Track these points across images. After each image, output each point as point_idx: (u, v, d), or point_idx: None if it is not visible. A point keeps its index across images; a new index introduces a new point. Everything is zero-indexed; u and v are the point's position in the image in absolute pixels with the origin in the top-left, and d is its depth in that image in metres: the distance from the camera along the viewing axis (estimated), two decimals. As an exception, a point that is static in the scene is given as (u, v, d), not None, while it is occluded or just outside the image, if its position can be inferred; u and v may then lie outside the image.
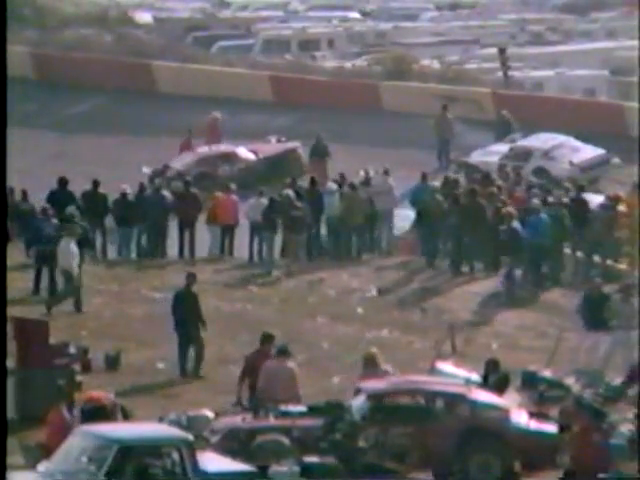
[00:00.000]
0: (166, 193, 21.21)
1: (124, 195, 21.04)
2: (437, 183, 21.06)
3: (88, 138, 28.05)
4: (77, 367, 14.84)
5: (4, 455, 11.70)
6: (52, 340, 14.63)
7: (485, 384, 14.20)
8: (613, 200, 19.77)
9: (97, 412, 12.73)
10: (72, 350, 14.83)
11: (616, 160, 24.98)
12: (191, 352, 15.91)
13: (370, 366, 14.11)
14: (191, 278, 16.29)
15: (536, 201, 19.76)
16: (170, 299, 17.70)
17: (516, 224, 18.66)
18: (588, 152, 25.04)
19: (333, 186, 21.29)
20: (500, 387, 14.16)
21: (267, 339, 14.31)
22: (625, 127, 27.37)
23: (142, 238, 21.02)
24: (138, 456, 11.50)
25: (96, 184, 21.14)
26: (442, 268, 19.90)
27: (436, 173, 23.32)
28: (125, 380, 14.72)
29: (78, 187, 21.21)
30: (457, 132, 26.32)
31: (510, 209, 18.93)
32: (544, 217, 19.07)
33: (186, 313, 15.93)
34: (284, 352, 13.95)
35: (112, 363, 16.02)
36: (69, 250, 17.82)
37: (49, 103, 29.64)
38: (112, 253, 20.94)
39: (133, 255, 21.00)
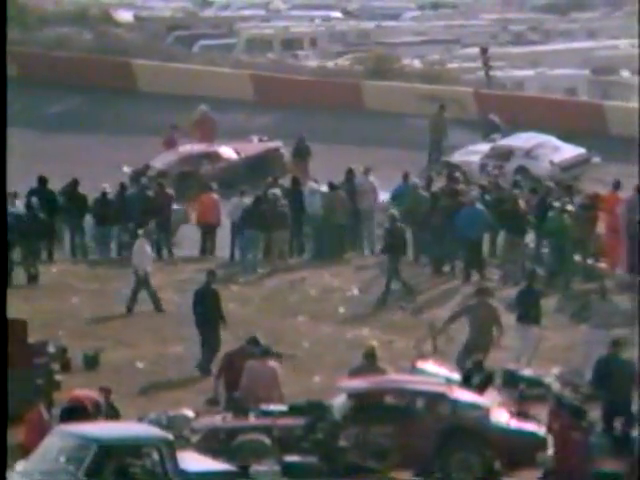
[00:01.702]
0: (149, 193, 21.18)
1: (104, 194, 20.99)
2: (417, 180, 21.07)
3: (68, 137, 27.93)
4: (56, 366, 14.77)
5: (4, 454, 11.56)
6: (31, 339, 14.54)
7: (468, 383, 14.20)
8: (593, 199, 19.83)
9: (75, 411, 12.67)
10: (51, 349, 14.76)
11: (596, 159, 25.06)
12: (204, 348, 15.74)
13: (369, 360, 14.03)
14: (211, 276, 16.30)
15: (475, 194, 19.75)
16: (149, 299, 17.61)
17: (400, 225, 18.78)
18: (569, 151, 25.11)
19: (314, 185, 21.28)
20: (482, 386, 14.17)
21: (252, 342, 14.25)
22: (605, 126, 27.46)
23: (123, 237, 20.97)
24: (118, 456, 11.45)
25: (75, 183, 21.07)
26: (424, 267, 19.90)
27: (422, 172, 23.29)
28: (104, 379, 14.65)
29: (58, 186, 21.12)
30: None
31: (394, 211, 19.01)
32: (479, 210, 19.10)
33: (207, 310, 15.84)
34: (267, 352, 13.90)
35: (91, 362, 15.96)
36: (144, 250, 17.98)
37: (29, 102, 29.49)
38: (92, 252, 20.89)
39: (113, 254, 20.93)
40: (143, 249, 18.12)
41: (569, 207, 19.33)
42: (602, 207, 19.65)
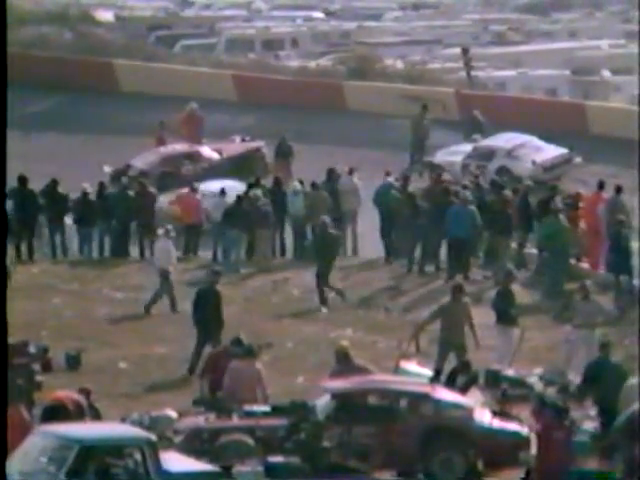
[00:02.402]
0: (130, 192, 21.11)
1: (85, 194, 20.90)
2: (390, 180, 20.97)
3: (49, 137, 27.81)
4: (37, 367, 14.69)
5: (4, 454, 11.45)
6: (11, 339, 14.45)
7: (452, 383, 14.19)
8: (574, 199, 19.88)
9: (57, 411, 12.60)
10: (32, 349, 14.68)
11: (578, 159, 25.16)
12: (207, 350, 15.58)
13: (343, 361, 14.00)
14: (214, 276, 16.21)
15: (467, 193, 19.71)
16: (132, 299, 17.56)
17: (331, 230, 18.75)
18: (550, 151, 25.19)
19: (298, 186, 21.24)
20: (465, 387, 14.17)
21: (236, 343, 14.20)
22: (587, 126, 27.57)
23: (104, 237, 20.88)
24: (100, 456, 11.38)
25: (55, 183, 20.97)
26: (406, 267, 19.90)
27: (402, 172, 23.28)
28: (86, 380, 14.58)
29: (39, 186, 21.04)
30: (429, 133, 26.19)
31: (325, 217, 18.99)
32: (469, 210, 19.10)
33: (208, 311, 15.76)
34: (251, 353, 13.86)
35: (73, 363, 15.89)
36: (168, 249, 17.89)
37: (9, 102, 29.37)
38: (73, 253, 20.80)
39: (94, 255, 20.84)
40: (168, 249, 18.00)
41: (559, 206, 19.19)
42: (584, 207, 19.68)
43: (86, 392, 13.22)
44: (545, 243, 18.95)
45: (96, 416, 13.08)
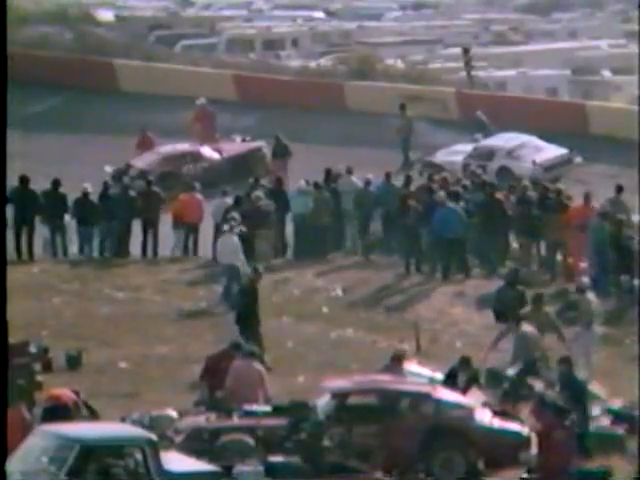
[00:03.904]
0: (131, 192, 21.11)
1: (85, 194, 20.91)
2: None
3: (49, 137, 27.82)
4: (37, 366, 14.70)
5: (4, 453, 11.46)
6: (12, 339, 14.46)
7: (453, 381, 14.19)
8: (555, 197, 19.76)
9: (58, 411, 12.59)
10: (32, 349, 14.69)
11: (578, 159, 25.18)
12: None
13: (393, 365, 14.02)
14: (256, 274, 16.34)
15: (442, 194, 19.68)
16: (132, 299, 17.56)
17: (241, 227, 18.70)
18: (551, 151, 25.21)
19: (305, 186, 21.23)
20: (466, 386, 14.19)
21: (235, 348, 14.20)
22: (587, 126, 27.58)
23: (105, 237, 20.89)
24: (100, 456, 11.38)
25: (56, 183, 20.98)
26: (408, 269, 19.91)
27: (399, 172, 23.30)
28: (87, 380, 14.59)
29: (40, 186, 21.04)
30: (419, 131, 26.24)
31: (235, 214, 18.82)
32: (453, 210, 19.05)
33: (248, 308, 15.90)
34: (252, 354, 13.85)
35: (73, 363, 15.90)
36: (234, 245, 17.89)
37: (9, 101, 29.40)
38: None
39: (95, 254, 20.85)
40: (235, 245, 18.00)
41: (621, 215, 18.77)
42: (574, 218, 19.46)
43: (75, 393, 13.20)
44: (594, 247, 18.50)
45: (93, 414, 13.06)
